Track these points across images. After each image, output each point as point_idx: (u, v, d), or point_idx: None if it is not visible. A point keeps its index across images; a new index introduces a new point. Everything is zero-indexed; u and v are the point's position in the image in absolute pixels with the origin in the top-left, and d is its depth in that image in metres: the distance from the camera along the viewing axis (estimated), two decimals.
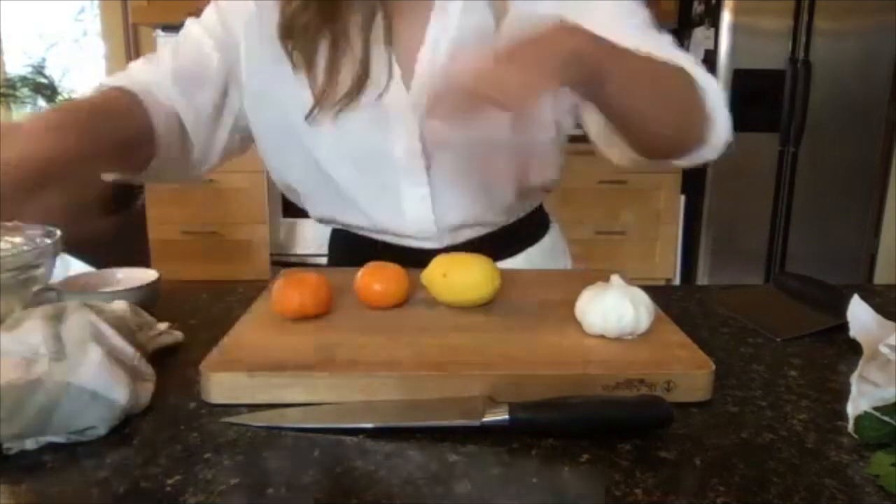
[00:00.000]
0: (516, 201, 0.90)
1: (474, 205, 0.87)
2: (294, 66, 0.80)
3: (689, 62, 0.74)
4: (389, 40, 0.80)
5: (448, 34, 0.80)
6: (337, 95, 0.79)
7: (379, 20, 0.79)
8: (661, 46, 0.74)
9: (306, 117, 0.80)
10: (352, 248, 0.94)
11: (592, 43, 0.59)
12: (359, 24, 0.78)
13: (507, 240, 0.93)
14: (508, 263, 0.92)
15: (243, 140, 0.90)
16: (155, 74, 0.81)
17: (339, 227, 0.95)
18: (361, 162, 0.84)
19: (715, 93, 0.75)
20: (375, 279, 0.71)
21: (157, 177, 0.84)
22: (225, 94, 0.85)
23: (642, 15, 0.80)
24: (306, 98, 0.80)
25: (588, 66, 0.58)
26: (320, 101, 0.79)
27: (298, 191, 0.92)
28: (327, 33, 0.78)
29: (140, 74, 0.81)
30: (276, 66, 0.81)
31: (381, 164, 0.83)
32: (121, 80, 0.80)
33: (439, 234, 0.87)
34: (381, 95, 0.79)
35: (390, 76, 0.80)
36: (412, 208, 0.85)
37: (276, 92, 0.83)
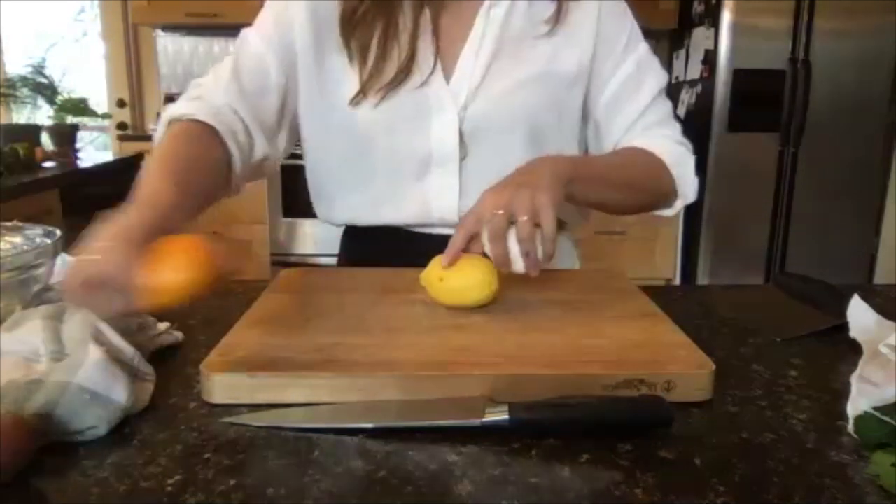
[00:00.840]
0: None
1: None
2: (350, 58, 0.86)
3: (667, 141, 0.91)
4: (435, 35, 0.87)
5: (492, 34, 0.87)
6: (382, 82, 0.85)
7: (427, 16, 0.86)
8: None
9: (351, 101, 0.86)
10: (368, 242, 0.96)
11: (573, 168, 0.77)
12: (407, 18, 0.86)
13: None
14: None
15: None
16: (226, 94, 0.85)
17: (361, 224, 0.96)
18: (397, 149, 0.89)
19: (683, 168, 0.90)
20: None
21: (237, 188, 0.89)
22: (285, 102, 0.90)
23: (644, 50, 0.93)
24: (354, 88, 0.86)
25: (571, 183, 0.76)
26: (366, 86, 0.85)
27: (332, 188, 0.95)
28: (379, 25, 0.85)
29: (213, 97, 0.84)
30: (330, 61, 0.88)
31: (417, 152, 0.88)
32: (200, 109, 0.81)
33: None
34: (422, 85, 0.86)
35: (433, 68, 0.86)
36: (439, 197, 0.90)
37: (327, 85, 0.89)
